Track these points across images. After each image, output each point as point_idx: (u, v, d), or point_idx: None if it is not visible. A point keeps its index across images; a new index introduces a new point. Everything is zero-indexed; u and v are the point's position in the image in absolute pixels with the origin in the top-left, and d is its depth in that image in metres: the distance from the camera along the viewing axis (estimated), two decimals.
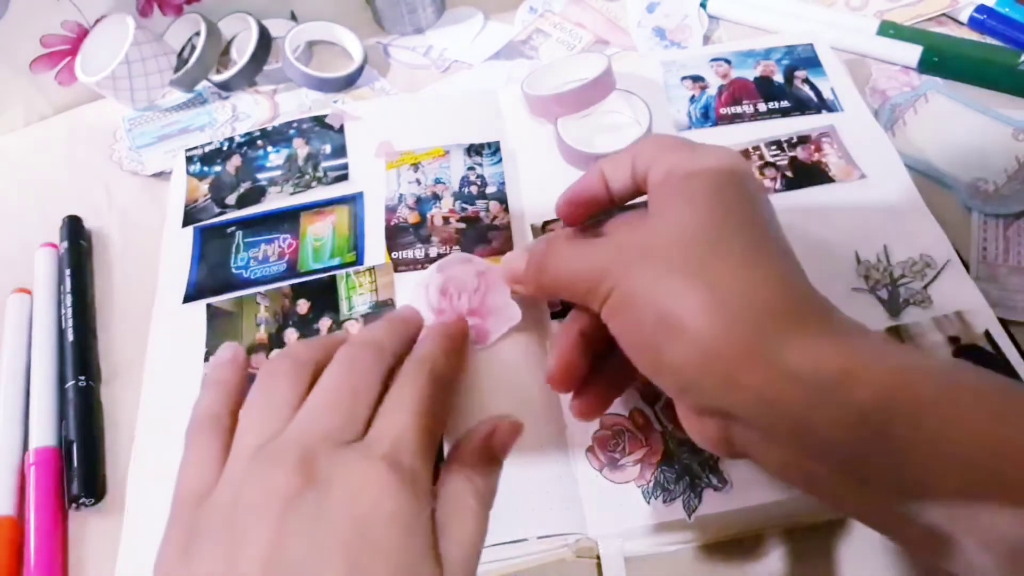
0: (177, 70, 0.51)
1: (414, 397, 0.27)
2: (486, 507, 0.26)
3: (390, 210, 0.42)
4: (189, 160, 0.47)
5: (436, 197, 0.43)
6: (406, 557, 0.23)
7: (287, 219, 0.43)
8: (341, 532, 0.22)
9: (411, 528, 0.23)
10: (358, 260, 0.41)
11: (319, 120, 0.47)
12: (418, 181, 0.43)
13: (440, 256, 0.40)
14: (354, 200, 0.43)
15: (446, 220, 0.42)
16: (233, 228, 0.43)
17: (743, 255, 0.25)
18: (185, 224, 0.44)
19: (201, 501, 0.25)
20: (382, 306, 0.38)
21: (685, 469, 0.32)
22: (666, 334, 0.24)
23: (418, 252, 0.40)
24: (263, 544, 0.22)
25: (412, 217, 0.42)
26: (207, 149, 0.47)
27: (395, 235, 0.41)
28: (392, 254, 0.40)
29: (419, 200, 0.43)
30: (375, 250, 0.41)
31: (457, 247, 0.40)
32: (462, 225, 0.41)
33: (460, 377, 0.32)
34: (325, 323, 0.38)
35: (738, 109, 0.45)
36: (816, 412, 0.22)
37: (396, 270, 0.40)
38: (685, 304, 0.24)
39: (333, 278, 0.40)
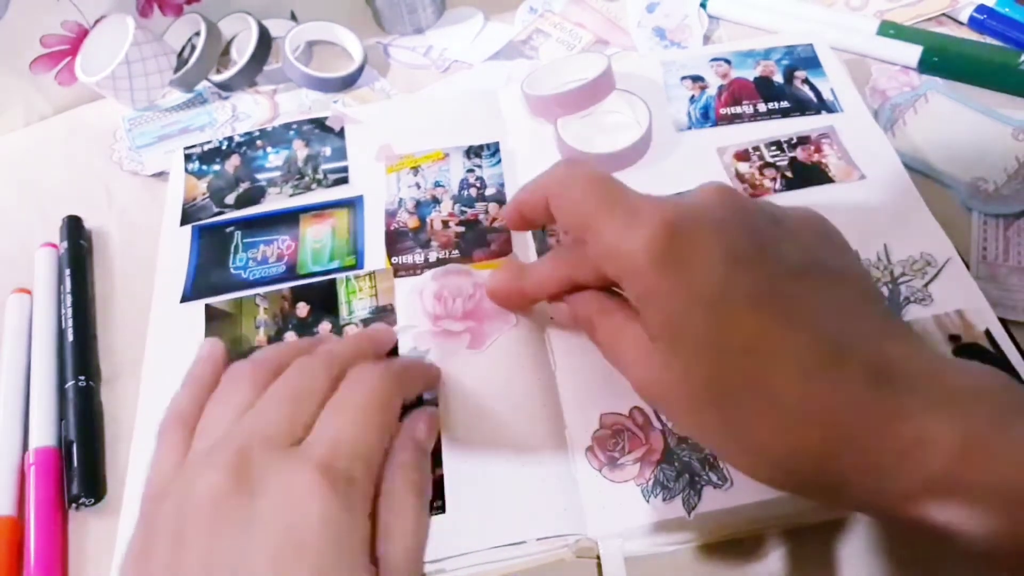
0: (177, 70, 0.51)
1: (357, 400, 0.27)
2: (424, 496, 0.28)
3: (390, 215, 0.42)
4: (188, 158, 0.47)
5: (435, 200, 0.43)
6: (334, 566, 0.23)
7: (286, 220, 0.43)
8: (270, 538, 0.23)
9: (340, 536, 0.23)
10: (358, 264, 0.40)
11: (319, 122, 0.47)
12: (418, 185, 0.43)
13: (439, 260, 0.40)
14: (354, 204, 0.43)
15: (445, 224, 0.41)
16: (232, 228, 0.43)
17: (749, 408, 0.23)
18: (183, 223, 0.44)
19: (161, 501, 0.25)
20: (382, 311, 0.38)
21: (685, 467, 0.32)
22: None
23: (417, 257, 0.40)
24: (201, 548, 0.23)
25: (412, 222, 0.42)
26: (206, 148, 0.47)
27: (395, 240, 0.41)
28: (392, 259, 0.40)
29: (418, 204, 0.43)
30: (375, 254, 0.41)
31: (456, 251, 0.40)
32: (461, 228, 0.41)
33: (412, 390, 0.32)
34: (325, 327, 0.38)
35: (738, 109, 0.45)
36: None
37: (396, 275, 0.40)
38: (722, 451, 0.26)
39: (333, 282, 0.40)
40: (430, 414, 0.32)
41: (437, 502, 0.31)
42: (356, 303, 0.39)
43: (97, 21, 0.51)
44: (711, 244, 0.23)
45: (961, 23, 0.51)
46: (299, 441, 0.26)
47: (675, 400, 0.24)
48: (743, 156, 0.43)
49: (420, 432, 0.30)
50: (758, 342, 0.22)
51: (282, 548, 0.22)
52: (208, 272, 0.41)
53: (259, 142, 0.47)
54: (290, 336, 0.38)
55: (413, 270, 0.40)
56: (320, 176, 0.45)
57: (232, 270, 0.41)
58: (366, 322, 0.38)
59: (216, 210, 0.44)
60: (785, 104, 0.45)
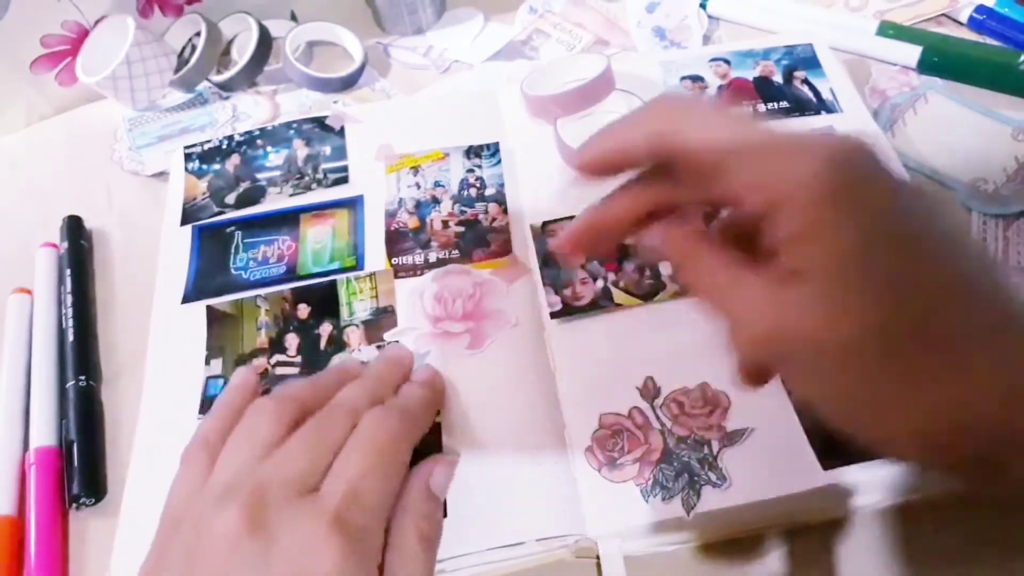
0: (177, 70, 0.51)
1: (371, 448, 0.27)
2: (434, 546, 0.28)
3: (390, 215, 0.42)
4: (188, 158, 0.47)
5: (435, 200, 0.43)
6: None
7: (287, 221, 0.43)
8: None
9: None
10: (358, 265, 0.41)
11: (319, 121, 0.47)
12: (417, 185, 0.43)
13: (439, 261, 0.40)
14: (354, 204, 0.43)
15: (445, 224, 0.42)
16: (232, 228, 0.43)
17: (929, 362, 0.21)
18: (184, 223, 0.44)
19: (178, 525, 0.26)
20: (382, 313, 0.38)
21: (684, 467, 0.32)
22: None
23: (417, 258, 0.40)
24: None
25: (412, 222, 0.42)
26: (206, 147, 0.47)
27: (395, 240, 0.41)
28: (392, 260, 0.40)
29: (419, 204, 0.43)
30: (375, 255, 0.41)
31: (456, 251, 0.40)
32: (461, 228, 0.41)
33: (425, 427, 0.32)
34: (326, 328, 0.38)
35: None
36: None
37: (396, 276, 0.40)
38: (874, 415, 0.22)
39: (333, 283, 0.40)
40: (449, 463, 0.31)
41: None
42: (357, 304, 0.39)
43: (97, 21, 0.51)
44: (884, 186, 0.22)
45: (961, 23, 0.51)
46: (316, 487, 0.26)
47: (829, 348, 0.21)
48: None
49: (437, 482, 0.30)
50: (950, 293, 0.21)
51: None
52: (209, 273, 0.41)
53: (259, 141, 0.47)
54: (291, 338, 0.38)
55: (413, 271, 0.40)
56: (320, 176, 0.45)
57: (233, 271, 0.41)
58: (367, 324, 0.38)
59: (216, 210, 0.44)
60: (784, 104, 0.45)
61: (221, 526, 0.24)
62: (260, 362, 0.38)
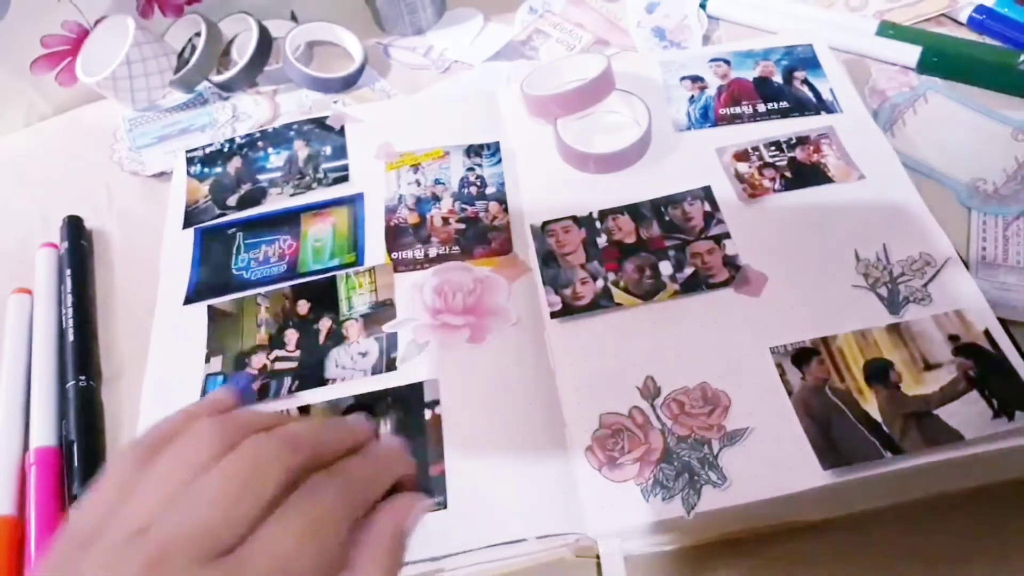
0: (177, 70, 0.51)
1: (309, 516, 0.22)
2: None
3: (390, 211, 0.43)
4: (189, 161, 0.47)
5: (436, 198, 0.43)
6: None
7: (287, 220, 0.43)
8: None
9: None
10: (358, 260, 0.41)
11: (319, 122, 0.47)
12: (418, 182, 0.44)
13: (440, 256, 0.40)
14: (354, 201, 0.43)
15: (445, 221, 0.42)
16: (234, 229, 0.43)
17: None
18: (186, 226, 0.44)
19: (84, 548, 0.21)
20: (381, 306, 0.39)
21: (684, 466, 0.32)
22: None
23: (417, 253, 0.40)
24: None
25: (412, 218, 0.42)
26: (208, 150, 0.47)
27: (395, 236, 0.41)
28: (392, 254, 0.41)
29: (419, 201, 0.43)
30: (375, 251, 0.41)
31: (456, 247, 0.40)
32: (462, 226, 0.41)
33: (374, 497, 0.25)
34: (325, 323, 0.38)
35: (737, 110, 0.45)
36: None
37: (396, 270, 0.40)
38: None
39: (333, 278, 0.40)
40: (423, 508, 0.25)
41: (439, 499, 0.32)
42: (356, 299, 0.39)
43: (98, 22, 0.51)
44: None
45: (960, 23, 0.51)
46: (231, 546, 0.21)
47: None
48: (742, 156, 0.43)
49: (410, 526, 0.25)
50: None
51: None
52: (210, 274, 0.41)
53: (260, 143, 0.47)
54: (291, 333, 0.38)
55: (413, 265, 0.40)
56: (321, 175, 0.45)
57: (234, 271, 0.41)
58: (366, 317, 0.38)
59: (218, 212, 0.44)
60: (784, 104, 0.45)
61: None
62: (259, 358, 0.38)
